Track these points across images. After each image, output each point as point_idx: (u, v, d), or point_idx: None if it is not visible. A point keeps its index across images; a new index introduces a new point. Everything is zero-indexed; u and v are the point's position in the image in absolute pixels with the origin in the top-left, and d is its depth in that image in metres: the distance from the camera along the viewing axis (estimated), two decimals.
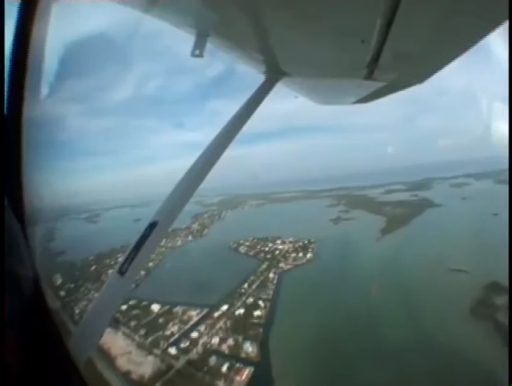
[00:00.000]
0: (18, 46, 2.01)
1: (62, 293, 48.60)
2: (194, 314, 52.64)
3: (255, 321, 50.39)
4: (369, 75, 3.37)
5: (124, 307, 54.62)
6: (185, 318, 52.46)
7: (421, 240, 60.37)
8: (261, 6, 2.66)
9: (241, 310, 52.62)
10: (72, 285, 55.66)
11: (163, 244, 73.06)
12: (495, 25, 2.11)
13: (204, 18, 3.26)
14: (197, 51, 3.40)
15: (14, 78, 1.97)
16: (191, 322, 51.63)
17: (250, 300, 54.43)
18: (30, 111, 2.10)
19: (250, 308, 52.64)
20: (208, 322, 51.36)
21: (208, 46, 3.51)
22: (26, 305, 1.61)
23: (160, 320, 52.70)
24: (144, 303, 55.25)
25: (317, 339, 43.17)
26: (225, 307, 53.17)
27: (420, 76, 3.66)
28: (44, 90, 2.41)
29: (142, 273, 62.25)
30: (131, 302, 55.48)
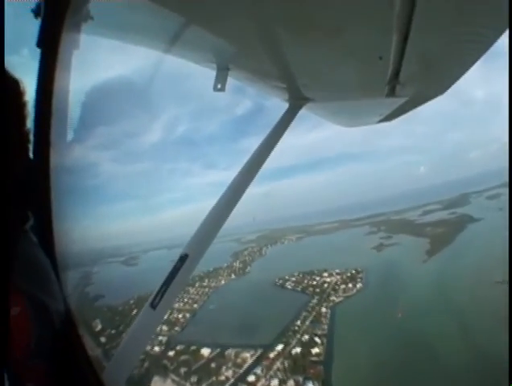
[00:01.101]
0: (42, 92, 2.05)
1: (103, 339, 45.79)
2: (248, 356, 50.94)
3: (314, 359, 48.62)
4: (391, 92, 3.28)
5: (171, 353, 53.92)
6: (239, 361, 50.74)
7: (467, 257, 59.25)
8: (277, 34, 2.66)
9: (298, 349, 50.82)
10: (114, 331, 52.05)
11: (206, 283, 73.96)
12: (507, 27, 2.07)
13: (223, 52, 3.25)
14: (219, 85, 3.41)
15: (39, 124, 2.01)
16: (246, 365, 49.92)
17: (306, 337, 52.80)
18: (57, 157, 2.14)
19: (307, 345, 50.89)
20: (265, 363, 49.76)
21: (231, 79, 3.51)
22: (58, 338, 1.57)
23: (212, 365, 50.99)
24: (193, 347, 53.88)
25: (379, 370, 42.40)
26: (280, 347, 51.50)
27: (441, 87, 3.59)
28: (72, 137, 2.47)
29: (188, 315, 63.35)
30: (179, 347, 54.63)
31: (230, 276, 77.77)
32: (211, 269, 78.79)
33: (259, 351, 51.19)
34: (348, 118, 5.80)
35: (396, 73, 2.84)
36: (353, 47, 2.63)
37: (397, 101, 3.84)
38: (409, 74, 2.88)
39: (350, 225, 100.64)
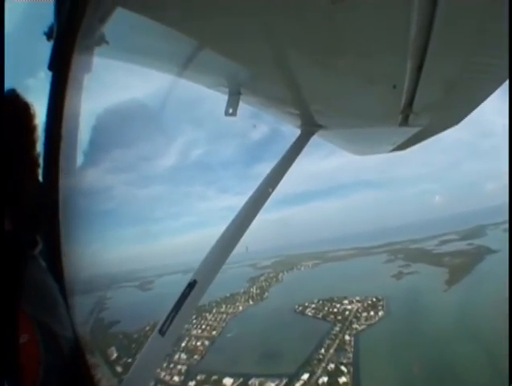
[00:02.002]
0: (52, 115, 2.05)
1: (118, 367, 46.95)
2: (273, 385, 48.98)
3: None
4: (405, 122, 3.33)
5: (192, 383, 51.83)
6: None
7: (487, 287, 58.69)
8: (290, 60, 2.69)
9: (325, 378, 48.78)
10: (130, 359, 51.34)
11: (223, 309, 72.24)
12: None
13: (235, 76, 3.28)
14: (230, 110, 3.41)
15: (49, 148, 2.01)
16: None
17: (332, 366, 50.69)
18: (67, 181, 2.15)
19: (334, 375, 48.94)
20: None
21: (243, 104, 3.52)
22: (66, 366, 1.58)
23: None
24: (214, 377, 51.60)
25: None
26: (305, 376, 49.39)
27: (455, 118, 3.66)
28: (82, 160, 2.48)
29: (206, 342, 61.15)
30: (200, 377, 52.47)
31: (248, 302, 76.24)
32: (228, 295, 77.40)
33: (284, 381, 49.06)
34: (361, 146, 5.79)
35: (410, 102, 2.88)
36: (367, 75, 2.65)
37: (410, 131, 3.85)
38: (423, 104, 2.93)
39: (367, 253, 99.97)
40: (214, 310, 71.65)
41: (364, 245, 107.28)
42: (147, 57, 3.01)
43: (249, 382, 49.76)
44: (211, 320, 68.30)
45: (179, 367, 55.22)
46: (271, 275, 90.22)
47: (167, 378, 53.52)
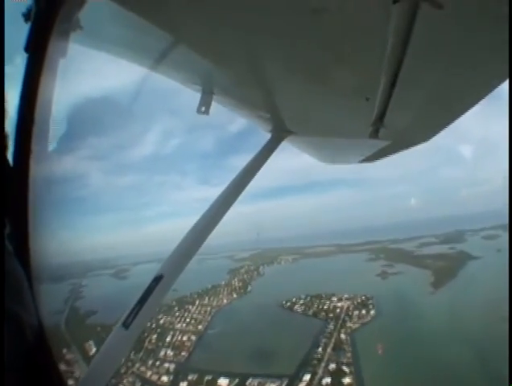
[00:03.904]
0: (25, 98, 1.98)
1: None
2: None
3: None
4: (375, 134, 3.28)
5: (184, 384, 46.50)
6: None
7: (473, 292, 60.07)
8: (265, 66, 2.65)
9: (328, 379, 45.84)
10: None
11: (206, 302, 67.99)
12: (502, 79, 2.13)
13: (209, 76, 3.28)
14: (203, 108, 3.45)
15: (21, 130, 1.94)
16: None
17: (333, 366, 47.89)
18: (38, 165, 2.06)
19: (337, 375, 46.17)
20: None
21: (215, 104, 3.55)
22: (29, 352, 1.50)
23: None
24: (208, 377, 46.67)
25: None
26: (307, 376, 46.09)
27: (425, 135, 3.68)
28: (54, 145, 2.38)
29: (193, 337, 56.41)
30: (191, 377, 47.21)
31: (231, 295, 72.00)
32: (209, 287, 73.42)
33: (285, 382, 45.40)
34: (330, 155, 5.84)
35: (381, 116, 2.85)
36: (341, 86, 2.63)
37: (379, 144, 3.85)
38: (394, 118, 2.90)
39: (346, 250, 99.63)
40: (197, 302, 67.15)
41: (342, 243, 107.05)
42: (123, 48, 2.93)
43: (247, 383, 45.35)
44: (195, 313, 63.50)
45: (166, 365, 49.81)
46: (252, 268, 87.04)
47: (155, 377, 47.80)
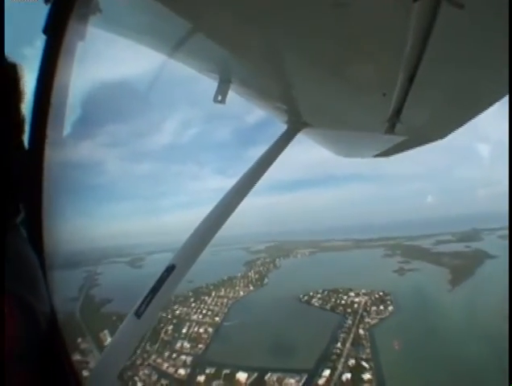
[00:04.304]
0: (42, 81, 1.98)
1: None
2: (293, 383, 43.99)
3: (367, 385, 43.38)
4: (391, 130, 3.26)
5: (202, 378, 45.60)
6: None
7: (491, 290, 57.92)
8: (283, 57, 2.65)
9: (348, 375, 44.92)
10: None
11: (223, 293, 67.59)
12: None
13: (226, 65, 3.25)
14: (219, 97, 3.44)
15: (37, 114, 1.93)
16: None
17: (352, 361, 47.00)
18: (54, 151, 2.06)
19: (357, 371, 45.23)
20: None
21: (232, 93, 3.51)
22: (42, 339, 1.47)
23: None
24: (226, 371, 45.78)
25: None
26: (326, 372, 45.10)
27: (442, 132, 3.64)
28: (70, 131, 2.40)
29: (210, 329, 55.80)
30: (208, 370, 46.33)
31: (248, 287, 71.34)
32: (225, 278, 72.77)
33: (305, 377, 44.48)
34: (345, 148, 5.84)
35: (398, 111, 2.86)
36: (358, 80, 2.60)
37: (395, 139, 3.87)
38: (410, 114, 2.91)
39: (362, 245, 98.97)
40: (213, 294, 66.56)
41: (358, 237, 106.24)
42: (140, 33, 2.94)
43: (266, 377, 44.46)
44: (211, 305, 62.81)
45: (183, 357, 48.98)
46: (267, 260, 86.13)
47: (171, 370, 47.00)
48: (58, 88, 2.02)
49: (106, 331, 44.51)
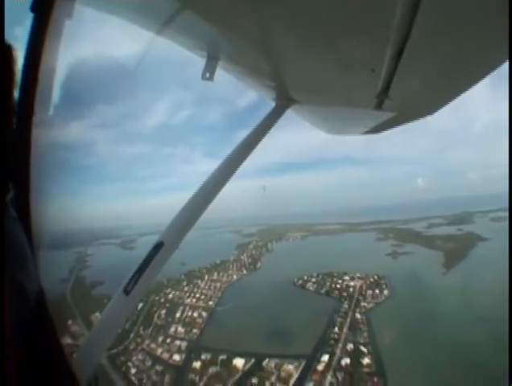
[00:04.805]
0: (29, 60, 1.99)
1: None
2: (292, 369, 43.08)
3: (366, 370, 42.72)
4: (379, 106, 3.21)
5: (197, 364, 44.14)
6: (283, 374, 42.65)
7: (484, 272, 59.61)
8: (270, 32, 2.61)
9: (347, 360, 44.35)
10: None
11: (216, 277, 66.45)
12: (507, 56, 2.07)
13: (214, 42, 3.18)
14: (207, 74, 3.43)
15: (24, 93, 1.92)
16: (292, 380, 42.01)
17: (351, 346, 46.50)
18: (41, 130, 2.05)
19: (356, 356, 44.76)
20: (315, 377, 42.23)
21: (220, 70, 3.50)
22: (31, 317, 1.53)
23: (254, 380, 42.29)
24: (222, 357, 44.64)
25: (437, 378, 40.28)
26: (325, 357, 44.45)
27: (431, 107, 3.53)
28: (58, 110, 2.36)
29: (204, 313, 54.55)
30: (204, 356, 45.02)
31: (241, 271, 70.25)
32: (218, 262, 71.60)
33: (303, 363, 43.69)
34: (334, 125, 5.74)
35: (386, 87, 2.85)
36: (346, 56, 2.60)
37: (384, 115, 3.81)
38: (399, 90, 2.91)
39: (354, 229, 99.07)
40: (206, 277, 65.28)
41: (350, 221, 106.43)
42: (128, 10, 2.88)
43: (263, 363, 43.49)
44: (204, 288, 61.45)
45: (177, 342, 47.48)
46: (260, 244, 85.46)
47: (166, 356, 45.29)
48: (45, 67, 2.00)
49: (98, 314, 42.69)
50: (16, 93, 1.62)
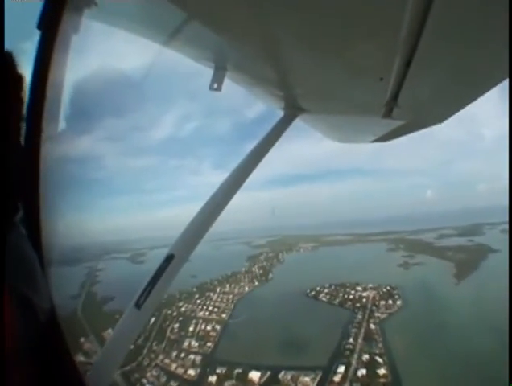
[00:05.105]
0: (37, 76, 1.97)
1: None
2: (309, 381, 42.75)
3: (382, 380, 42.50)
4: (388, 114, 3.22)
5: (213, 378, 43.73)
6: None
7: (496, 283, 55.91)
8: (279, 42, 2.60)
9: (363, 370, 44.01)
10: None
11: (228, 289, 66.28)
12: None
13: (222, 51, 3.18)
14: (215, 85, 3.41)
15: (32, 110, 1.90)
16: None
17: (366, 357, 46.14)
18: (50, 146, 2.05)
19: (371, 366, 44.43)
20: None
21: (228, 81, 3.50)
22: (42, 334, 1.48)
23: None
24: (238, 370, 44.22)
25: None
26: (341, 368, 44.16)
27: (439, 116, 3.63)
28: (66, 126, 2.40)
29: (218, 327, 54.22)
30: (219, 370, 44.64)
31: (253, 282, 69.95)
32: (229, 274, 71.51)
33: (319, 374, 43.26)
34: (342, 134, 5.76)
35: (395, 96, 2.86)
36: (355, 64, 2.61)
37: (393, 124, 3.84)
38: (408, 98, 2.91)
39: (364, 240, 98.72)
40: (218, 290, 65.07)
41: (360, 232, 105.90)
42: (135, 23, 2.91)
43: (280, 376, 43.11)
44: (217, 301, 61.19)
45: (191, 356, 47.10)
46: (270, 255, 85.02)
47: (180, 371, 44.92)
48: (53, 83, 2.01)
49: (110, 331, 42.44)
50: (24, 110, 1.61)
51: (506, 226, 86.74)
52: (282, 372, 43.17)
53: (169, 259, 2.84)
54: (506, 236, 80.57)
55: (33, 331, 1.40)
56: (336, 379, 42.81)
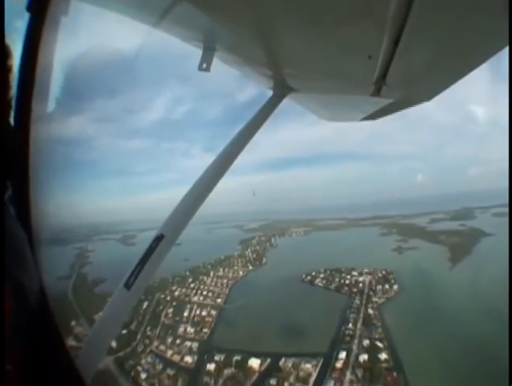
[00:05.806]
0: (26, 57, 2.00)
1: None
2: (310, 368, 41.37)
3: (384, 365, 41.58)
4: (377, 92, 3.20)
5: (211, 366, 41.77)
6: (302, 374, 40.93)
7: (492, 266, 57.75)
8: (267, 21, 2.57)
9: (365, 356, 42.98)
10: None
11: (222, 274, 64.53)
12: (504, 44, 2.10)
13: (210, 32, 3.16)
14: (204, 65, 3.38)
15: (22, 90, 1.95)
16: (312, 379, 40.34)
17: (366, 342, 45.21)
18: (40, 126, 2.06)
19: (373, 351, 43.48)
20: (335, 375, 40.61)
21: (217, 60, 3.46)
22: (32, 316, 1.51)
23: (272, 381, 40.35)
24: (237, 358, 42.51)
25: (455, 371, 39.51)
26: (343, 354, 43.05)
27: (428, 94, 3.55)
28: (56, 106, 2.36)
29: (213, 312, 52.52)
30: (217, 357, 42.76)
31: (246, 266, 68.24)
32: (222, 257, 69.74)
33: (321, 361, 42.05)
34: (331, 112, 5.76)
35: (384, 74, 2.86)
36: (343, 43, 2.61)
37: (381, 102, 3.81)
38: (396, 76, 2.92)
39: (357, 224, 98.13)
40: (212, 273, 63.20)
41: (353, 216, 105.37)
42: (124, 4, 2.87)
43: (280, 363, 41.58)
44: (211, 285, 59.16)
45: (188, 343, 45.00)
46: (263, 239, 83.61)
47: (177, 358, 42.57)
48: (43, 64, 2.00)
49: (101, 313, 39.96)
50: (13, 90, 1.51)
51: (498, 209, 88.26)
52: (283, 360, 41.61)
53: (158, 239, 2.82)
54: (498, 220, 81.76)
55: (23, 313, 1.37)
56: (338, 365, 41.51)
